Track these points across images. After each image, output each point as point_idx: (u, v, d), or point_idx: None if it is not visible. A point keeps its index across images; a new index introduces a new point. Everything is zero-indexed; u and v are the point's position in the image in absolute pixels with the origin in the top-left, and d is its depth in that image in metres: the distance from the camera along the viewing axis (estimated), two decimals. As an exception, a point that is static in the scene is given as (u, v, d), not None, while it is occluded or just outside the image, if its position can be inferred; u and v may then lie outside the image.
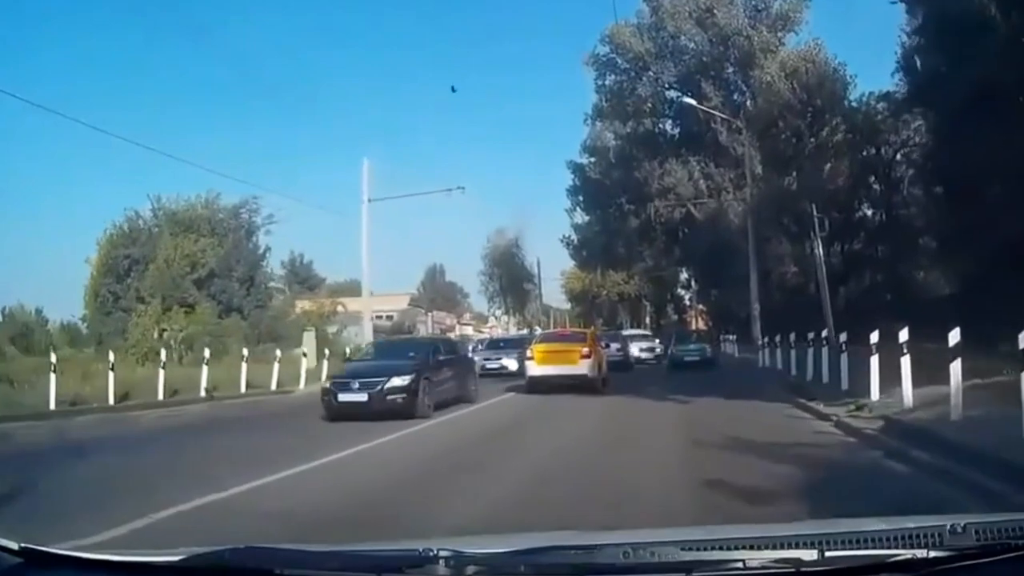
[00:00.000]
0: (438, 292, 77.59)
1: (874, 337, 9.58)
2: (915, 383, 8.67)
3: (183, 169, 70.30)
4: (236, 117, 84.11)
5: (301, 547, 1.88)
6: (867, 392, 9.75)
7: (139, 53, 68.87)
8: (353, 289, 63.79)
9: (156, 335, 25.75)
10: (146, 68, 66.83)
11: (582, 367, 16.20)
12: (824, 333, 12.87)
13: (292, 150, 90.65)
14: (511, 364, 22.64)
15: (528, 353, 17.28)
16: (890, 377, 9.05)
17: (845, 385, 10.91)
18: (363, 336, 29.46)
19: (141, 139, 74.94)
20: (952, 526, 1.68)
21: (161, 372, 16.15)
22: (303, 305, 34.03)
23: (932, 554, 1.59)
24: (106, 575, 1.80)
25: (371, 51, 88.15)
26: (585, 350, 16.52)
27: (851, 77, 25.78)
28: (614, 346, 22.80)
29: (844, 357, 11.04)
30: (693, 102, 28.13)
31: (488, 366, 22.68)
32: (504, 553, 1.67)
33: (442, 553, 1.63)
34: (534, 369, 16.65)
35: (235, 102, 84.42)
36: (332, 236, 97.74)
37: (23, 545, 1.78)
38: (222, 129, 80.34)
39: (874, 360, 9.55)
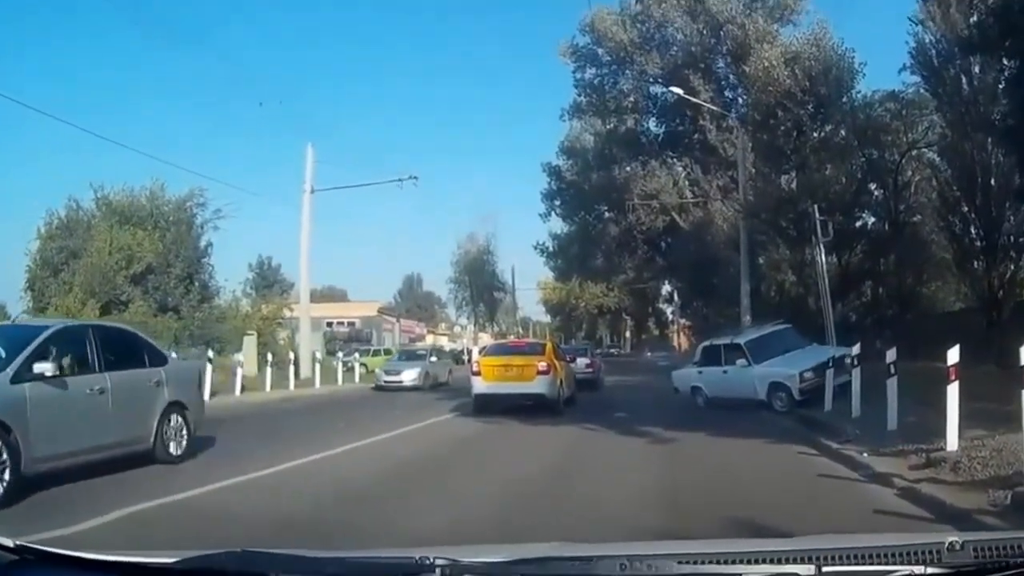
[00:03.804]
0: (415, 301, 75.90)
1: (952, 356, 6.36)
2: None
3: (137, 159, 66.69)
4: (204, 112, 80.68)
5: (297, 552, 1.85)
6: (931, 435, 6.55)
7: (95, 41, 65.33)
8: (327, 295, 61.50)
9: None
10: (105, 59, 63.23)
11: (538, 384, 13.42)
12: (855, 351, 9.56)
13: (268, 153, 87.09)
14: None
15: (475, 367, 14.39)
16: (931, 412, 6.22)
17: (893, 424, 7.64)
18: (302, 342, 26.21)
19: (92, 127, 71.42)
20: (950, 543, 1.64)
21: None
22: (244, 308, 30.87)
23: (930, 571, 1.58)
24: (101, 575, 1.79)
25: (336, 48, 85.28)
26: (542, 364, 13.52)
27: (859, 65, 23.01)
28: (582, 361, 19.60)
29: (893, 384, 7.73)
30: (680, 91, 25.18)
31: None
32: (500, 563, 1.71)
33: (438, 561, 1.64)
34: (481, 386, 13.97)
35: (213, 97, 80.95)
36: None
37: (19, 543, 1.78)
38: (178, 121, 76.86)
39: (952, 390, 6.30)
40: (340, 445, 9.23)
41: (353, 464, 8.25)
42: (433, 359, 24.76)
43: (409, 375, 22.04)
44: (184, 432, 8.25)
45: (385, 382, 22.12)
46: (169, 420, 8.06)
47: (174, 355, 10.99)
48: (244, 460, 7.77)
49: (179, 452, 8.08)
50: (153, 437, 7.76)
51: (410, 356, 25.08)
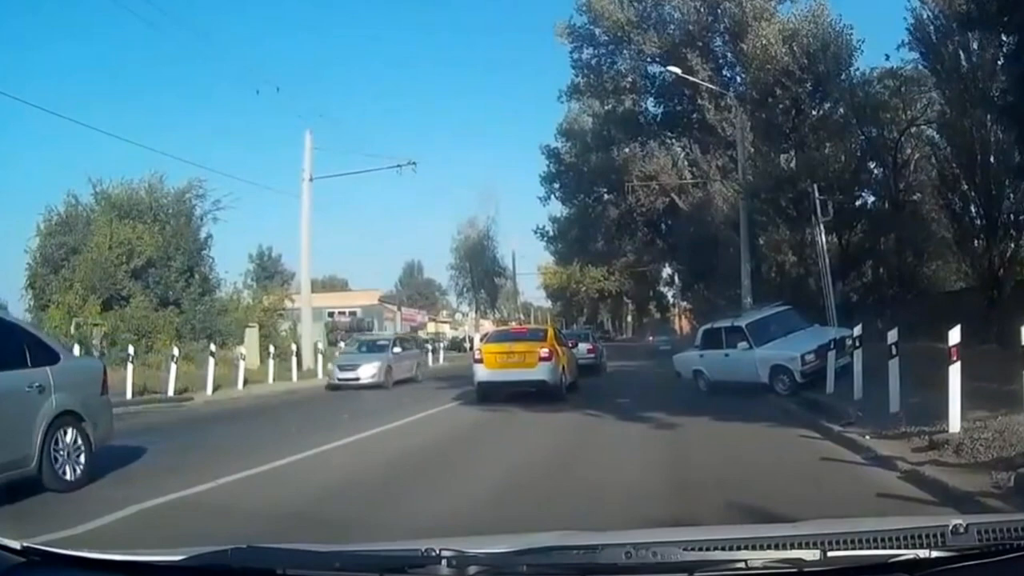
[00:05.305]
0: (416, 289, 75.85)
1: (953, 336, 6.37)
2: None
3: (135, 152, 66.45)
4: (199, 100, 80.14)
5: (303, 547, 1.86)
6: (933, 416, 6.57)
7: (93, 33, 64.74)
8: (328, 284, 61.53)
9: (72, 330, 23.26)
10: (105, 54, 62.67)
11: (540, 371, 13.48)
12: (856, 332, 9.57)
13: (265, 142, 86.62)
14: None
15: (477, 355, 14.47)
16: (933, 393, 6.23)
17: (895, 405, 7.67)
18: (304, 332, 26.26)
19: (87, 119, 70.91)
20: (955, 526, 1.64)
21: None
22: (245, 300, 30.88)
23: (934, 554, 1.57)
24: (108, 575, 1.79)
25: (335, 37, 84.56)
26: (544, 351, 13.56)
27: (858, 42, 22.83)
28: (584, 346, 19.64)
29: (894, 365, 7.75)
30: (678, 71, 25.01)
31: None
32: (507, 553, 1.69)
33: (444, 553, 1.63)
34: (483, 373, 13.98)
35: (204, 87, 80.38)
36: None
37: (25, 544, 1.79)
38: (175, 111, 76.37)
39: (954, 371, 6.33)
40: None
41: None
42: (397, 350, 20.97)
43: (367, 371, 18.85)
44: (82, 449, 6.43)
45: (340, 380, 18.88)
46: (60, 435, 6.23)
47: (77, 351, 8.10)
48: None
49: (75, 475, 6.31)
50: (37, 458, 5.93)
51: (370, 348, 21.51)
